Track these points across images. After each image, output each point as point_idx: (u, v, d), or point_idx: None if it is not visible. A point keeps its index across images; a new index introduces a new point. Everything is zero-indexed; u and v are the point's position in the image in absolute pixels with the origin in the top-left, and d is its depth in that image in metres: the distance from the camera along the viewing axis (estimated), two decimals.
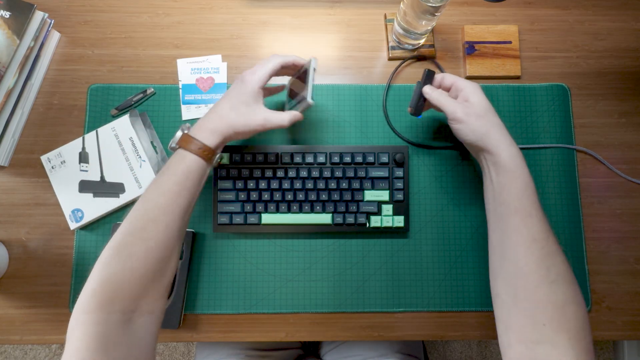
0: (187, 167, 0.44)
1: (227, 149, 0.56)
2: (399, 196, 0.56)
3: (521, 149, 0.58)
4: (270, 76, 0.48)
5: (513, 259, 0.41)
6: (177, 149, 0.45)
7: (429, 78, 0.51)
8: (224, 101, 0.47)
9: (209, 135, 0.45)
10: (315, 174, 0.56)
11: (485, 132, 0.45)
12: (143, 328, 0.39)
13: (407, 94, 0.60)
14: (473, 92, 0.47)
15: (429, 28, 0.57)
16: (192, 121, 0.59)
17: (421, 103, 0.52)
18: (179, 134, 0.47)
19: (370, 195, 0.56)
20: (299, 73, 0.52)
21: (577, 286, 0.40)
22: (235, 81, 0.49)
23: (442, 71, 0.61)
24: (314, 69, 0.49)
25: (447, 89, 0.50)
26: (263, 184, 0.55)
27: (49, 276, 0.56)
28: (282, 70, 0.51)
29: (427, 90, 0.50)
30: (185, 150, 0.44)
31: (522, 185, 0.42)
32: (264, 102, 0.49)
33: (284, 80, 0.59)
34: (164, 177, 0.43)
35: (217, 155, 0.47)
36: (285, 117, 0.48)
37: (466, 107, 0.46)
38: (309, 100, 0.48)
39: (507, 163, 0.43)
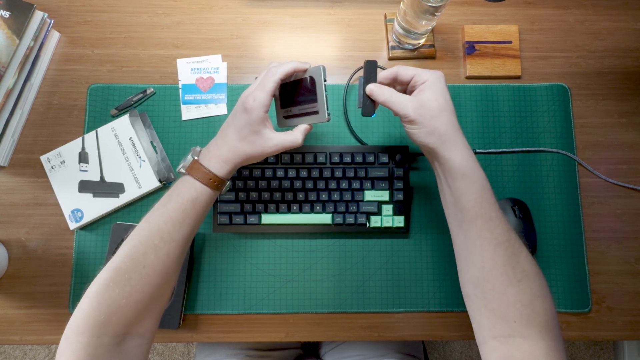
0: (194, 196, 0.42)
1: None
2: (399, 196, 0.56)
3: (520, 153, 0.59)
4: (273, 96, 0.44)
5: (479, 262, 0.40)
6: (185, 175, 0.43)
7: (370, 71, 0.44)
8: (231, 131, 0.44)
9: (219, 165, 0.43)
10: (315, 174, 0.55)
11: (439, 134, 0.41)
12: (133, 350, 0.39)
13: None
14: (431, 86, 0.42)
15: (429, 28, 0.57)
16: (192, 121, 0.59)
17: (369, 102, 0.45)
18: (189, 158, 0.44)
19: (370, 195, 0.55)
20: (294, 78, 0.47)
21: (542, 278, 0.40)
22: (237, 106, 0.44)
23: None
24: (324, 80, 0.44)
25: (405, 83, 0.44)
26: (263, 184, 0.55)
27: (49, 276, 0.56)
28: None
29: (372, 88, 0.44)
30: (194, 179, 0.43)
31: (479, 189, 0.41)
32: (271, 124, 0.46)
33: None
34: (171, 202, 0.42)
35: (228, 184, 0.45)
36: (298, 136, 0.45)
37: (419, 105, 0.41)
38: (327, 117, 0.45)
39: (461, 168, 0.41)
